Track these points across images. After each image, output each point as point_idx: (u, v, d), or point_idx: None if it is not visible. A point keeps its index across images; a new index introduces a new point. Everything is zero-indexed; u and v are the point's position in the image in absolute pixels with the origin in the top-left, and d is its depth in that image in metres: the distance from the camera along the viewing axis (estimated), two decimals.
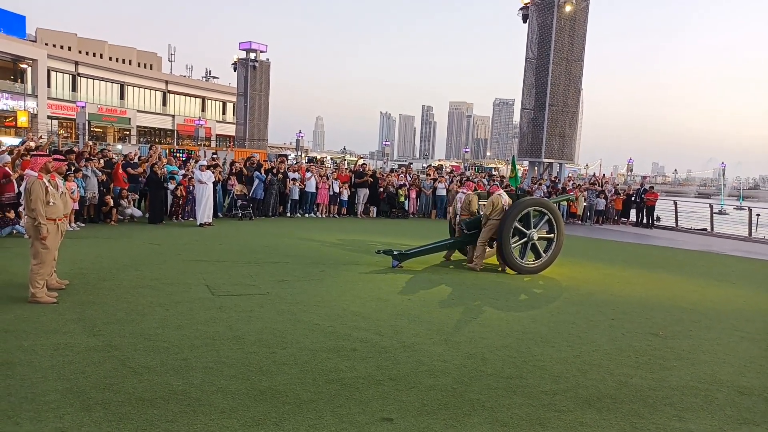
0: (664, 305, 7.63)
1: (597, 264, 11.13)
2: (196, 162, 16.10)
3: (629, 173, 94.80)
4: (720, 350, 5.69)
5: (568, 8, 21.95)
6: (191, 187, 14.01)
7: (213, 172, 14.58)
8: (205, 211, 13.33)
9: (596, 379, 4.64)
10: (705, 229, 20.43)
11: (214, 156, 18.44)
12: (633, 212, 21.54)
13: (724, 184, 75.97)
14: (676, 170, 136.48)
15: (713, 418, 4.02)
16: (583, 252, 12.57)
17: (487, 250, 10.09)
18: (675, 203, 22.03)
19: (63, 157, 7.23)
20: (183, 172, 14.67)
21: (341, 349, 5.00)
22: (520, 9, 23.20)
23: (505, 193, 9.79)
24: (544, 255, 9.59)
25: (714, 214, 20.95)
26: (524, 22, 23.12)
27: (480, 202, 10.85)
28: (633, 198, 21.38)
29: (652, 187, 21.94)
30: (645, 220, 20.90)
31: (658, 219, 21.64)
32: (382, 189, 18.85)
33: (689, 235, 19.49)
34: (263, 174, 15.93)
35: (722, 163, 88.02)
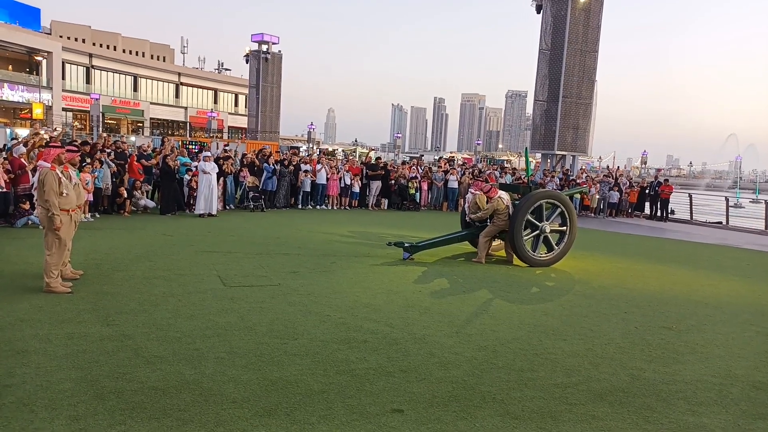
0: (677, 299, 7.55)
1: (610, 257, 11.04)
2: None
3: (643, 166, 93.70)
4: (735, 345, 5.62)
5: None
6: None
7: (224, 164, 14.63)
8: (209, 202, 13.31)
9: (609, 373, 4.60)
10: (720, 223, 20.18)
11: (227, 148, 18.47)
12: (647, 205, 21.33)
13: (741, 177, 74.81)
14: (691, 163, 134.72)
15: (727, 413, 3.97)
16: (596, 245, 12.47)
17: (494, 242, 10.06)
18: (690, 196, 21.77)
19: (76, 148, 7.29)
20: (195, 163, 14.75)
21: (352, 340, 5.01)
22: (534, 0, 22.96)
23: (505, 193, 9.73)
24: (556, 248, 9.53)
25: (729, 207, 20.68)
26: (538, 12, 22.89)
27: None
28: (647, 191, 21.16)
29: (666, 180, 21.69)
30: (659, 213, 20.69)
31: (673, 212, 21.41)
32: (393, 181, 18.82)
33: (704, 228, 19.26)
34: (270, 165, 15.94)
35: (738, 156, 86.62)
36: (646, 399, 4.13)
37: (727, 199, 21.36)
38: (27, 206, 10.34)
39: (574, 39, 21.98)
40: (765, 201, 20.14)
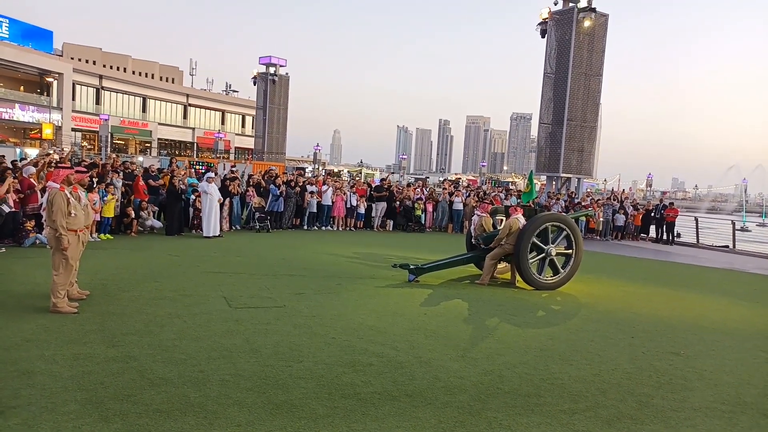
0: (685, 324, 7.49)
1: (616, 281, 10.98)
2: (216, 174, 16.25)
3: (648, 188, 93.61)
4: (744, 371, 5.55)
5: (586, 23, 21.94)
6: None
7: (230, 185, 14.71)
8: (213, 223, 13.33)
9: (616, 399, 4.55)
10: (727, 246, 20.07)
11: (234, 169, 18.61)
12: (653, 228, 21.27)
13: (746, 200, 74.52)
14: (696, 186, 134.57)
15: None
16: (602, 268, 12.42)
17: (500, 265, 10.03)
18: (696, 219, 21.70)
19: (85, 170, 7.38)
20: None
21: (357, 363, 4.98)
22: (539, 24, 23.25)
23: (522, 216, 9.69)
24: (562, 271, 9.49)
25: (736, 231, 20.59)
26: (542, 37, 23.14)
27: (497, 217, 10.81)
28: (652, 214, 21.11)
29: (672, 203, 21.66)
30: (665, 237, 20.61)
31: (679, 235, 21.33)
32: (398, 202, 18.87)
33: (710, 252, 19.15)
34: (276, 187, 16.00)
35: (744, 179, 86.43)
36: (655, 426, 4.07)
37: (733, 223, 21.28)
38: (31, 225, 10.39)
39: (578, 63, 22.18)
40: None
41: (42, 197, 10.34)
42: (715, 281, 12.20)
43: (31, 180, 10.80)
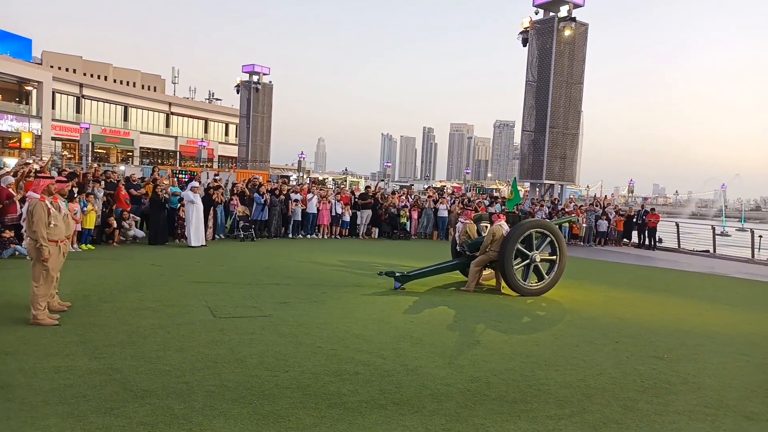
0: (668, 328, 7.57)
1: (600, 286, 11.08)
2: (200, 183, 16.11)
3: (630, 194, 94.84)
4: (726, 374, 5.63)
5: (567, 32, 22.24)
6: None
7: (214, 194, 14.60)
8: (200, 233, 13.25)
9: (601, 404, 4.58)
10: (707, 251, 20.38)
11: (217, 177, 18.48)
12: (635, 234, 21.53)
13: (726, 206, 75.76)
14: (677, 192, 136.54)
15: None
16: (585, 274, 12.52)
17: (485, 271, 10.08)
18: (677, 225, 22.01)
19: (65, 179, 7.28)
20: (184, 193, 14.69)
21: (344, 372, 4.96)
22: (520, 33, 23.50)
23: (506, 223, 9.76)
24: (546, 277, 9.56)
25: (716, 236, 20.91)
26: (524, 45, 23.40)
27: (481, 224, 10.87)
28: (634, 219, 21.38)
29: (653, 209, 21.96)
30: (647, 242, 20.88)
31: (660, 240, 21.61)
32: (383, 210, 18.88)
33: (691, 256, 19.42)
34: (260, 196, 15.92)
35: (723, 184, 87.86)
36: (640, 430, 4.11)
37: (713, 228, 21.61)
38: (9, 235, 10.20)
39: (559, 71, 22.46)
40: (751, 230, 20.40)
41: (21, 207, 10.16)
42: (696, 286, 12.38)
43: (10, 190, 10.62)
